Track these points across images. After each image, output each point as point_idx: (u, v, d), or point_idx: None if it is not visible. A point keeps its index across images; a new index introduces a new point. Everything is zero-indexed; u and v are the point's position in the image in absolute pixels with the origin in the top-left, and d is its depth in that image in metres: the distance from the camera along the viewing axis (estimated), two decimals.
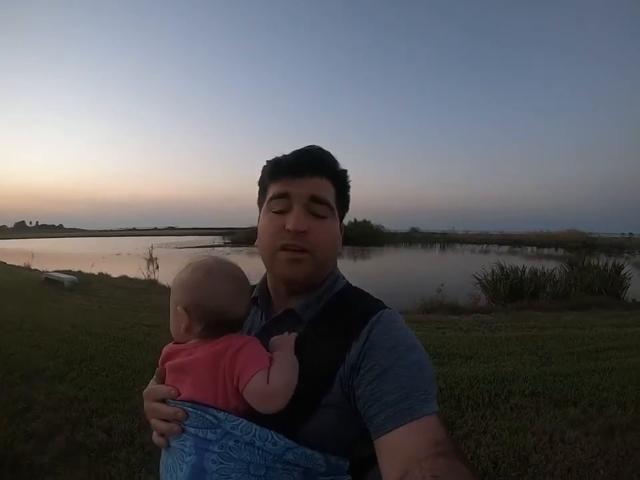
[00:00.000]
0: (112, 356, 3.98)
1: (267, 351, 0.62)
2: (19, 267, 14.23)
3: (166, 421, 0.59)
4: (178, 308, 0.64)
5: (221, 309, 0.63)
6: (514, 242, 42.94)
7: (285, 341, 0.63)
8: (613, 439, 2.42)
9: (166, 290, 8.47)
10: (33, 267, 13.55)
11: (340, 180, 0.71)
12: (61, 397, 3.00)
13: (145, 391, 0.64)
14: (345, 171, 0.72)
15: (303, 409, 0.58)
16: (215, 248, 29.58)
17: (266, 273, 0.75)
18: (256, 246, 0.72)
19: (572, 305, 7.32)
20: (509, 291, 8.37)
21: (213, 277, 0.65)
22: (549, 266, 9.56)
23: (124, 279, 11.01)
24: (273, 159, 0.70)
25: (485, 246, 39.55)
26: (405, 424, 0.51)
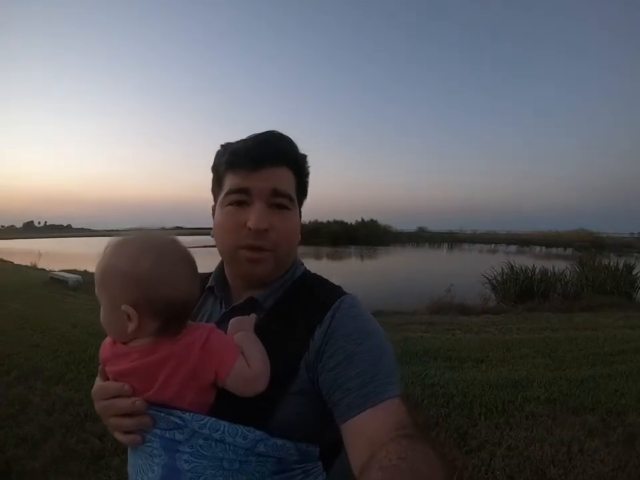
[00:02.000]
0: None
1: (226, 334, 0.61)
2: (25, 266, 14.34)
3: (128, 416, 0.55)
4: (123, 307, 0.53)
5: (181, 299, 0.56)
6: (522, 242, 42.68)
7: (245, 322, 0.62)
8: (633, 449, 2.29)
9: None
10: (39, 267, 13.65)
11: (300, 167, 0.69)
12: (56, 399, 2.92)
13: (92, 390, 0.60)
14: (304, 157, 0.70)
15: (271, 397, 0.57)
16: None
17: (222, 262, 0.73)
18: (212, 236, 0.69)
19: (583, 305, 7.15)
20: (519, 291, 8.19)
21: (168, 263, 0.56)
22: (559, 266, 9.37)
23: None
24: (229, 146, 0.67)
25: (492, 245, 39.31)
26: (369, 408, 0.51)
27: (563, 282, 8.63)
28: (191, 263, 0.60)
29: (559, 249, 32.80)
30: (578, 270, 9.38)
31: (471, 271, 10.80)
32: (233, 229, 0.63)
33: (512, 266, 9.01)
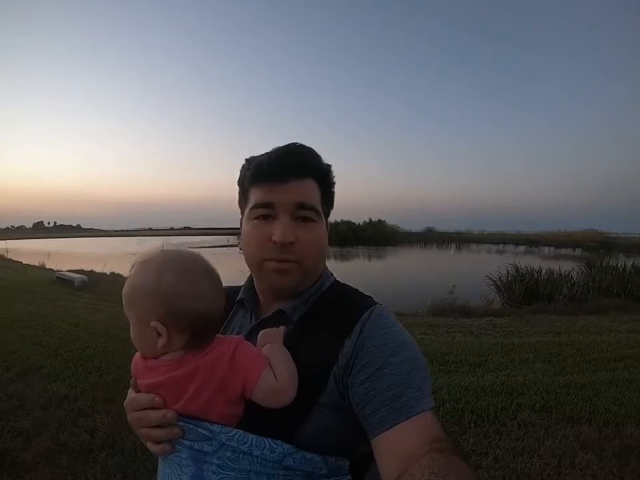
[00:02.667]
0: (110, 356, 3.92)
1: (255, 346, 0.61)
2: (34, 266, 14.55)
3: (159, 427, 0.56)
4: (152, 323, 0.55)
5: (206, 311, 0.57)
6: (530, 242, 42.23)
7: (274, 334, 0.62)
8: (628, 464, 2.16)
9: None
10: (47, 267, 13.82)
11: (325, 178, 0.69)
12: (52, 395, 2.99)
13: (125, 402, 0.61)
14: (329, 167, 0.69)
15: (300, 410, 0.56)
16: (230, 247, 29.86)
17: (251, 275, 0.73)
18: (239, 249, 0.73)
19: (589, 308, 7.01)
20: (524, 292, 8.05)
21: (190, 277, 0.57)
22: (566, 267, 9.21)
23: None
24: (254, 160, 0.66)
25: (500, 246, 38.96)
26: (401, 421, 0.50)
27: (569, 284, 8.46)
28: (214, 276, 0.61)
29: (567, 249, 32.36)
30: (585, 271, 9.26)
31: (476, 272, 10.69)
32: (259, 243, 0.64)
33: (517, 267, 8.89)
